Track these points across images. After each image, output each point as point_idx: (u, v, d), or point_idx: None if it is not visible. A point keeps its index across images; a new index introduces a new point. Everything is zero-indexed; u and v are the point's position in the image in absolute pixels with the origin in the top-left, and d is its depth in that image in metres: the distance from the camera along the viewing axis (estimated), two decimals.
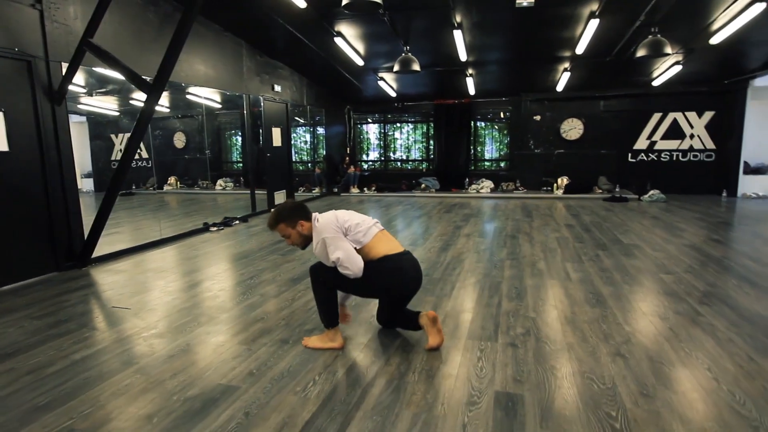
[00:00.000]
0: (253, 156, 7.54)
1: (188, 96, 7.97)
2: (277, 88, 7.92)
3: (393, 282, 2.44)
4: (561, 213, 7.28)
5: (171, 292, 3.53)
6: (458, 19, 5.89)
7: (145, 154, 7.35)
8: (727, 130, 8.95)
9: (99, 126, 7.18)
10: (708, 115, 9.11)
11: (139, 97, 7.36)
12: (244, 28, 6.61)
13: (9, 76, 3.70)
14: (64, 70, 4.02)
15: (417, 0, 5.50)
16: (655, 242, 5.03)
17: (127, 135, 7.22)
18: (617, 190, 9.21)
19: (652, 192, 8.72)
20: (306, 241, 2.50)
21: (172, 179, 9.05)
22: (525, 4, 5.11)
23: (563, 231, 5.75)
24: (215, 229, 6.09)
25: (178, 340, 2.64)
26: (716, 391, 2.03)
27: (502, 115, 10.82)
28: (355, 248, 2.37)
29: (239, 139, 10.27)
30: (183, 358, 2.41)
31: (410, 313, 2.56)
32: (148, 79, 3.71)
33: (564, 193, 9.39)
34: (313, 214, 2.49)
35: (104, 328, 2.87)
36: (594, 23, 5.63)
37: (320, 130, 10.88)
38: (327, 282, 2.42)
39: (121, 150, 7.20)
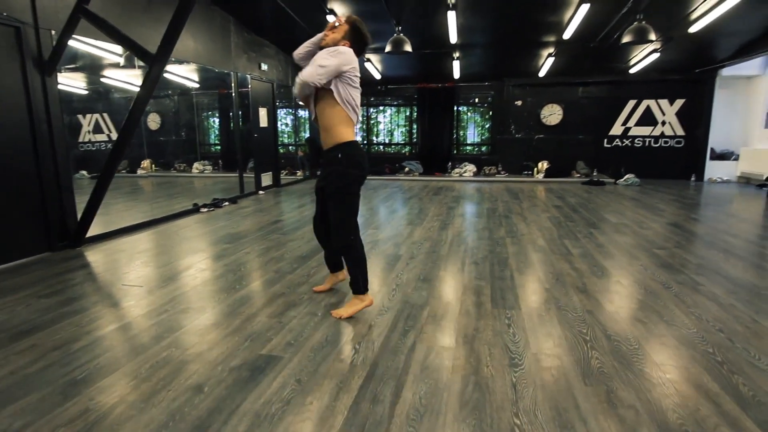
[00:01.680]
0: (242, 137, 7.36)
1: (165, 74, 7.65)
2: (264, 66, 7.72)
3: (358, 170, 2.45)
4: (545, 195, 7.50)
5: (179, 271, 3.45)
6: None
7: (115, 136, 7.00)
8: (696, 118, 9.39)
9: (65, 105, 6.82)
10: (679, 102, 9.51)
11: (111, 75, 7.03)
12: (233, 2, 6.39)
13: None
14: (53, 40, 3.81)
15: None
16: (640, 221, 5.28)
17: (96, 116, 6.89)
18: (594, 174, 9.55)
19: (627, 176, 9.09)
20: (329, 41, 2.48)
21: (145, 162, 8.70)
22: None
23: (552, 211, 5.94)
24: (206, 210, 5.94)
25: (203, 314, 2.60)
26: (732, 349, 2.19)
27: (477, 100, 10.94)
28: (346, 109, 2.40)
29: (217, 120, 9.96)
30: (214, 331, 2.38)
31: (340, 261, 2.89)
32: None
33: (544, 176, 9.65)
34: (345, 45, 2.44)
35: (120, 305, 2.78)
36: (585, 8, 5.76)
37: (302, 113, 10.72)
38: (353, 235, 2.49)
39: (89, 131, 6.87)
